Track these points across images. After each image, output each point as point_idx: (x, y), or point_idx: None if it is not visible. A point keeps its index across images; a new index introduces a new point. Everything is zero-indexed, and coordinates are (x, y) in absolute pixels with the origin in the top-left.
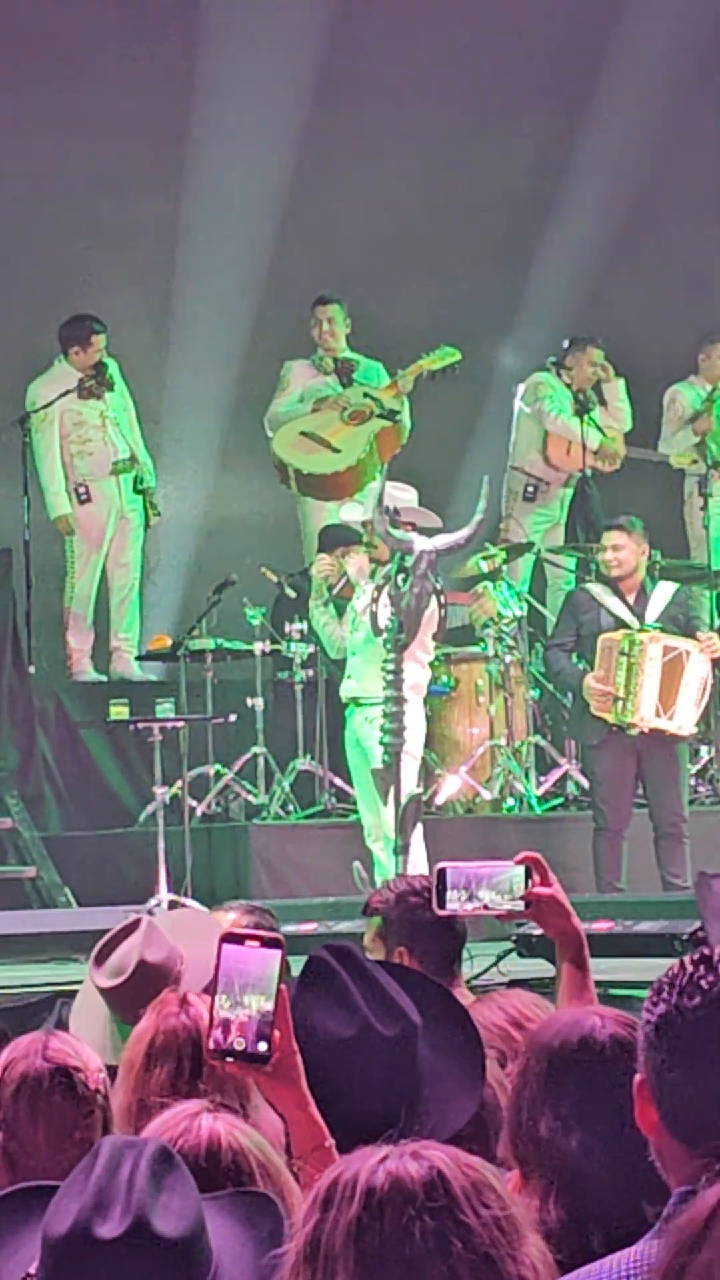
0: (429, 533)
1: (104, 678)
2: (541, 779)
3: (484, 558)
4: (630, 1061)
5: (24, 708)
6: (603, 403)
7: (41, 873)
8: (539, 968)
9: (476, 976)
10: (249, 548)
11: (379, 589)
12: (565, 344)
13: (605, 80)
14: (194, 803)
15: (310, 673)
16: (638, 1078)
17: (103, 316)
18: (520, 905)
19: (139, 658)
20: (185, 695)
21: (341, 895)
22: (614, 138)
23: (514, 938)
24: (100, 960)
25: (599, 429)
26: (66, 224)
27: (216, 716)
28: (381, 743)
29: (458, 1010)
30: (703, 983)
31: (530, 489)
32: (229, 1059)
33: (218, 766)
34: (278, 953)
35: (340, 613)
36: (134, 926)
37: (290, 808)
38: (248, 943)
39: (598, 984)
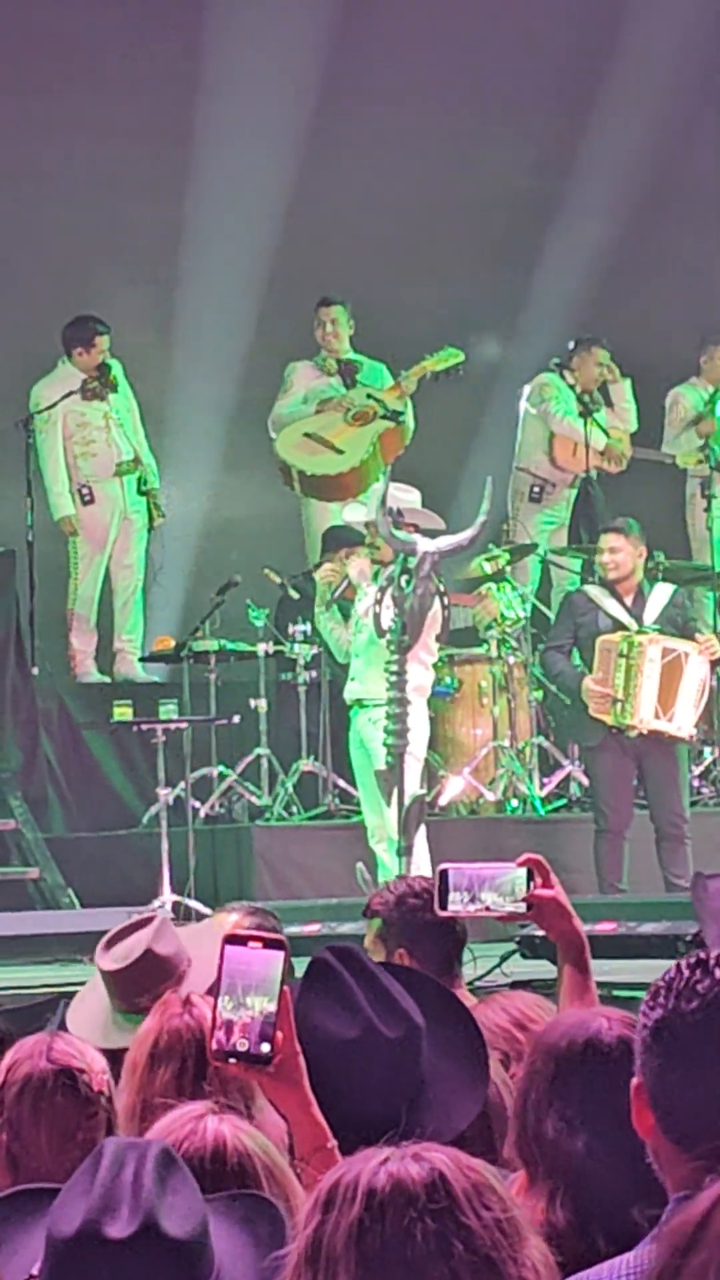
0: (432, 534)
1: (107, 679)
2: (545, 780)
3: (487, 559)
4: None
5: (27, 709)
6: (609, 403)
7: (45, 874)
8: (542, 969)
9: (480, 978)
10: (252, 549)
11: (382, 590)
12: (570, 345)
13: (609, 81)
14: (197, 804)
15: (313, 674)
16: (635, 1081)
17: (106, 318)
18: (522, 907)
19: (142, 659)
20: (189, 696)
21: (345, 896)
22: (618, 139)
23: (517, 939)
24: (108, 946)
25: (604, 430)
26: (70, 225)
27: (220, 718)
28: (385, 744)
29: (461, 1011)
30: (699, 987)
31: (536, 490)
32: (231, 1060)
33: (221, 768)
34: (280, 954)
35: (345, 616)
36: (148, 921)
37: (293, 809)
38: (251, 944)
39: (601, 985)
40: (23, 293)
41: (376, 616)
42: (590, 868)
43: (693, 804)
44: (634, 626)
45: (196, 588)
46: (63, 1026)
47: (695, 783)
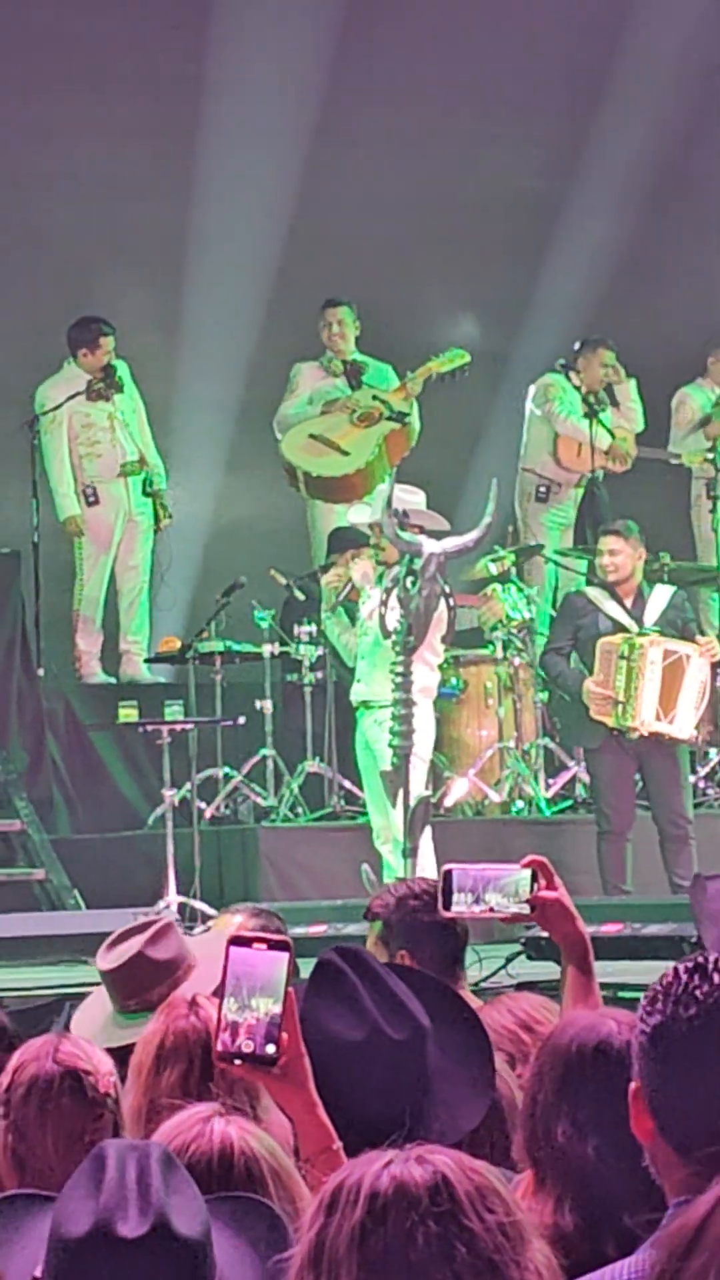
0: (437, 535)
1: (113, 680)
2: (550, 781)
3: (493, 560)
4: None
5: (33, 710)
6: (614, 404)
7: (50, 875)
8: (548, 971)
9: (485, 979)
10: (258, 550)
11: (387, 592)
12: (576, 346)
13: (613, 82)
14: (203, 805)
15: (319, 675)
16: (632, 1086)
17: (112, 318)
18: (525, 909)
19: (148, 660)
20: (194, 697)
21: (350, 898)
22: (623, 140)
23: (523, 940)
24: (110, 947)
25: (609, 430)
26: (75, 226)
27: (225, 719)
28: (390, 745)
29: (467, 1013)
30: (698, 992)
31: (542, 490)
32: (236, 1062)
33: (226, 769)
34: (285, 955)
35: (352, 619)
36: (149, 924)
37: (299, 810)
38: (255, 945)
39: (606, 987)
40: (28, 293)
41: (381, 618)
42: (595, 869)
43: (697, 805)
44: (634, 628)
45: (202, 589)
46: (68, 1028)
47: (700, 784)
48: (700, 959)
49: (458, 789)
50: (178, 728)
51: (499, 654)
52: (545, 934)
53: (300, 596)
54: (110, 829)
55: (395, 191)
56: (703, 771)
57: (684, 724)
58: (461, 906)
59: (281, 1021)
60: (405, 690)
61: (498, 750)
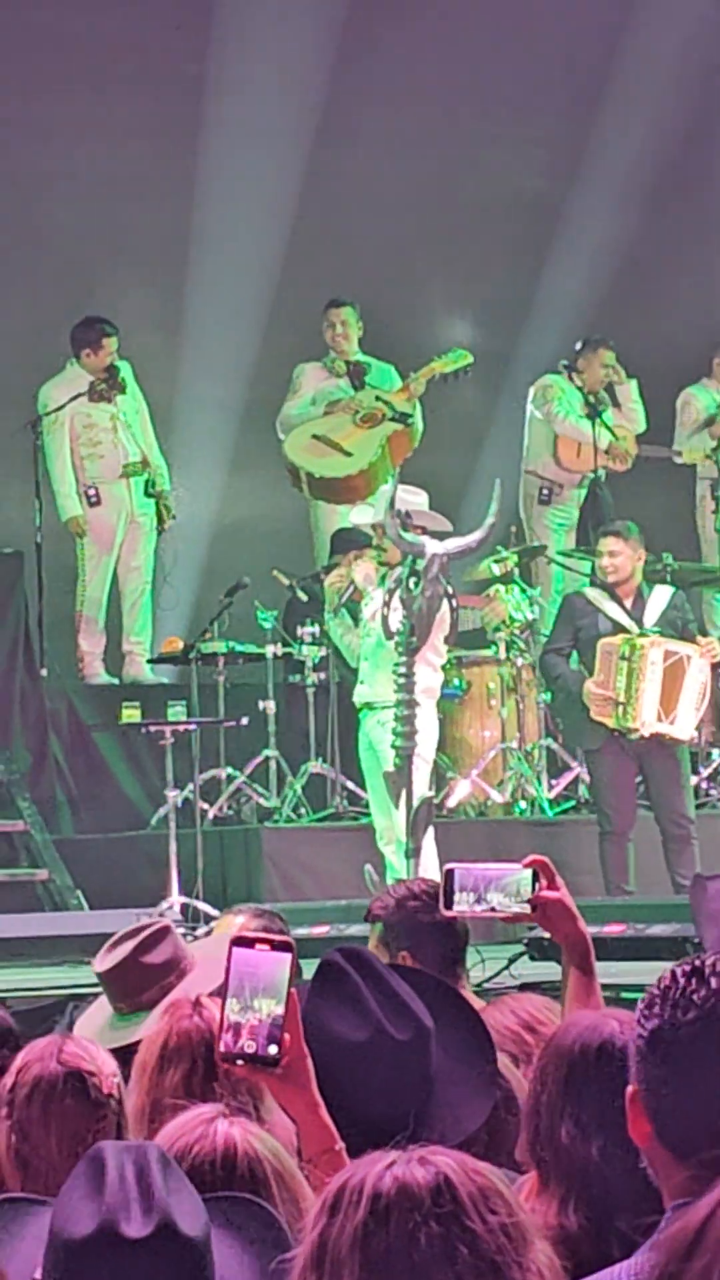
0: (439, 536)
1: (116, 681)
2: (553, 782)
3: (496, 561)
4: None
5: (36, 711)
6: (616, 405)
7: (53, 875)
8: (551, 971)
9: (488, 980)
10: (261, 551)
11: (390, 593)
12: (577, 346)
13: (617, 82)
14: (206, 806)
15: (322, 676)
16: (630, 1089)
17: (114, 319)
18: (527, 908)
19: (151, 661)
20: (197, 698)
21: (353, 898)
22: (626, 140)
23: (526, 941)
24: (110, 949)
25: (610, 430)
26: (77, 226)
27: (228, 719)
28: (393, 746)
29: (470, 1014)
30: (695, 996)
31: (545, 492)
32: (239, 1062)
33: (229, 769)
34: (288, 956)
35: (355, 620)
36: (145, 928)
37: (302, 811)
38: (258, 946)
39: (610, 987)
40: (30, 294)
41: (384, 619)
42: (598, 869)
43: (700, 806)
44: (634, 629)
45: (205, 589)
46: (71, 1028)
47: (703, 785)
48: (697, 962)
49: (460, 790)
50: (181, 728)
51: (502, 655)
52: (547, 934)
53: (303, 597)
54: (113, 829)
55: (397, 192)
56: (705, 772)
57: (685, 725)
58: (463, 906)
59: (284, 1022)
60: (408, 691)
61: (500, 751)
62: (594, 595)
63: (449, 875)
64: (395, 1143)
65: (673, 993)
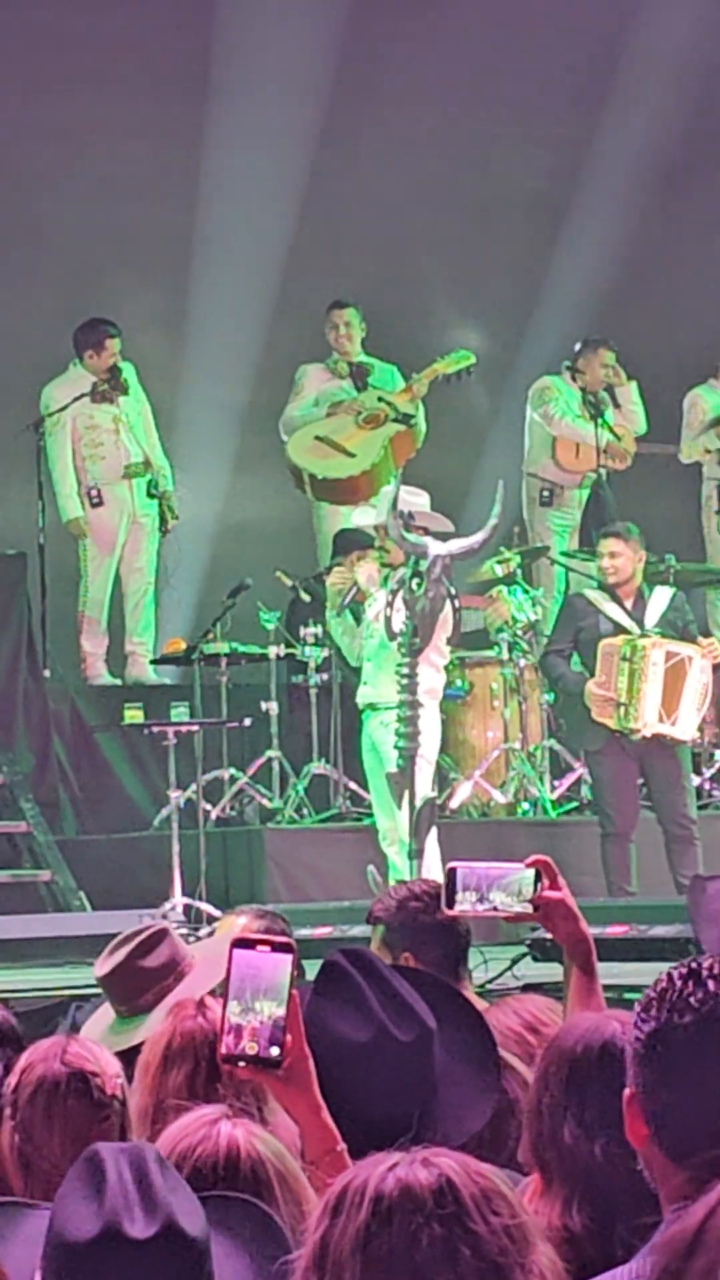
0: (442, 536)
1: (119, 682)
2: (556, 783)
3: (499, 562)
4: None
5: (39, 711)
6: (616, 406)
7: (56, 876)
8: (554, 972)
9: (491, 981)
10: (264, 551)
11: (393, 594)
12: (577, 346)
13: (621, 83)
14: (208, 807)
15: (325, 676)
16: (627, 1092)
17: (117, 320)
18: (529, 908)
19: (154, 662)
20: (200, 699)
21: (356, 899)
22: (630, 141)
23: (528, 942)
24: (110, 952)
25: (608, 430)
26: (80, 227)
27: (231, 720)
28: (396, 746)
29: (473, 1014)
30: (692, 1000)
31: (546, 493)
32: (241, 1064)
33: (232, 770)
34: (289, 957)
35: (358, 620)
36: (142, 931)
37: (305, 812)
38: (259, 948)
39: (612, 989)
40: (33, 295)
41: (387, 620)
42: (600, 870)
43: (703, 807)
44: (635, 630)
45: (208, 590)
46: (74, 1029)
47: (706, 786)
48: (694, 964)
49: (463, 791)
50: (183, 729)
51: (504, 656)
52: (550, 935)
53: (306, 598)
54: (116, 830)
55: (400, 192)
56: (708, 773)
57: (686, 726)
58: (465, 905)
59: (285, 1024)
60: (411, 692)
61: (503, 752)
62: (595, 596)
63: (451, 874)
64: (398, 1144)
65: (669, 995)
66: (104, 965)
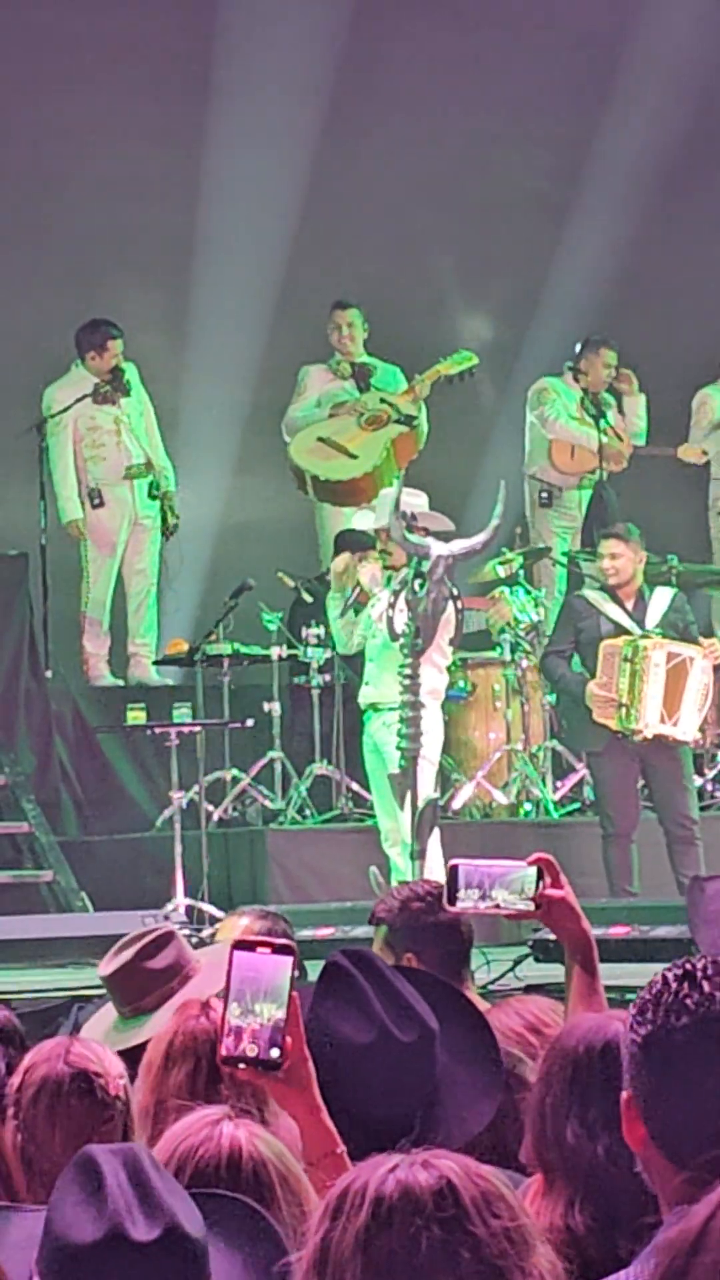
0: (444, 537)
1: (121, 682)
2: (558, 784)
3: (501, 563)
4: None
5: (41, 712)
6: (621, 412)
7: (58, 877)
8: (556, 973)
9: (493, 982)
10: (266, 552)
11: (395, 594)
12: (578, 347)
13: (622, 82)
14: (211, 807)
15: (327, 677)
16: (624, 1094)
17: (120, 321)
18: (530, 905)
19: (156, 662)
20: (202, 700)
21: (358, 900)
22: (632, 141)
23: (530, 942)
24: (115, 953)
25: (601, 432)
26: (83, 228)
27: (233, 721)
28: (399, 747)
29: (475, 1015)
30: (688, 1001)
31: (545, 495)
32: (240, 1066)
33: (234, 771)
34: (289, 959)
35: (357, 611)
36: (148, 933)
37: (307, 812)
38: (260, 949)
39: (615, 989)
40: (36, 296)
41: (390, 620)
42: (602, 871)
43: (705, 808)
44: (636, 631)
45: (210, 591)
46: (76, 1029)
47: (708, 787)
48: (689, 965)
49: (465, 791)
50: (186, 730)
51: (507, 656)
52: (553, 936)
53: (308, 599)
54: (118, 831)
55: (402, 193)
56: (710, 774)
57: (688, 726)
58: (467, 902)
59: (285, 1026)
60: (413, 693)
61: (505, 753)
62: (595, 597)
63: (453, 871)
64: (399, 1145)
65: (665, 997)
66: (109, 965)
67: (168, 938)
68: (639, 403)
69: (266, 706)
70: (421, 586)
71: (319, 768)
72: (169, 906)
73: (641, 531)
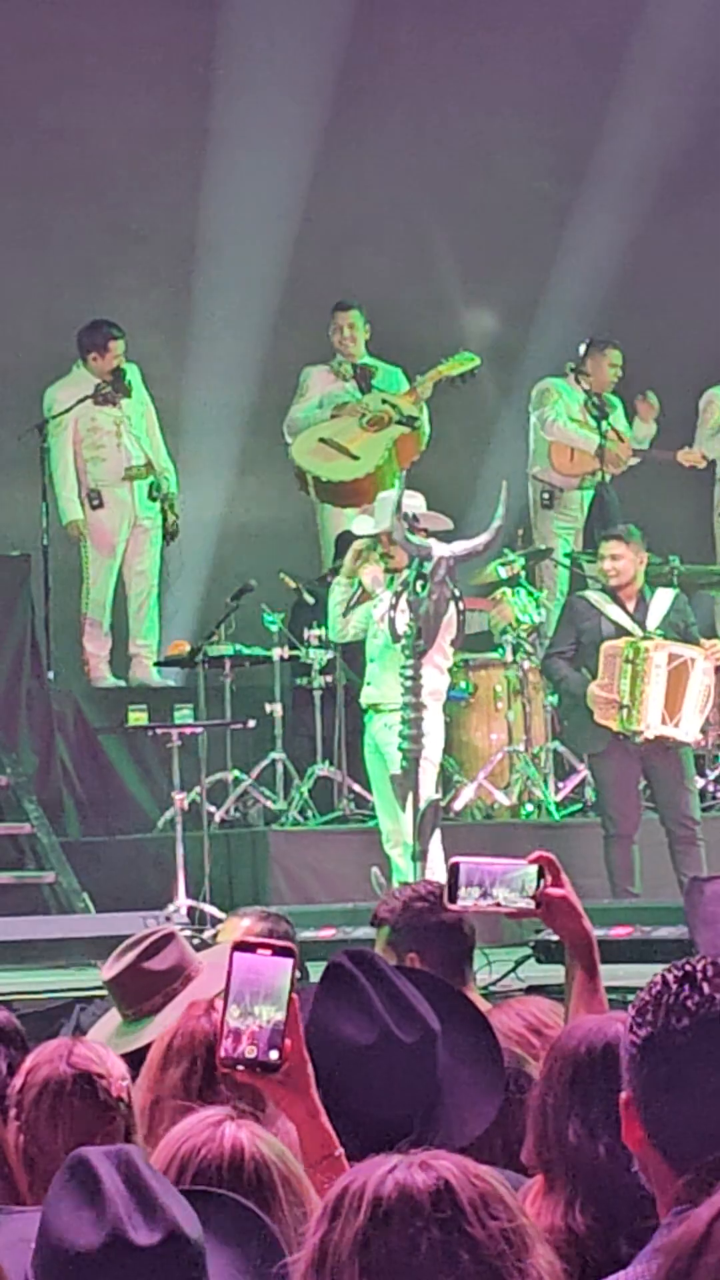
0: (445, 537)
1: (123, 683)
2: (560, 785)
3: (503, 564)
4: None
5: (42, 713)
6: (629, 415)
7: (60, 878)
8: (557, 974)
9: (495, 983)
10: (267, 554)
11: (397, 595)
12: (582, 348)
13: (627, 83)
14: (212, 808)
15: (329, 678)
16: (623, 1096)
17: (121, 322)
18: (531, 904)
19: (158, 664)
20: (204, 701)
21: (360, 901)
22: (636, 141)
23: (532, 943)
24: (119, 956)
25: (602, 434)
26: (84, 229)
27: (235, 722)
28: (400, 748)
29: (477, 1016)
30: (688, 1002)
31: (546, 496)
32: (239, 1068)
33: (236, 772)
34: (289, 961)
35: (356, 603)
36: (150, 935)
37: (309, 813)
38: (260, 951)
39: (616, 990)
40: (37, 296)
41: (392, 621)
42: (604, 872)
43: (706, 809)
44: (637, 632)
45: (211, 592)
46: (78, 1030)
47: (710, 787)
48: (688, 967)
49: (467, 793)
50: (187, 731)
51: (508, 658)
52: (555, 937)
53: (310, 600)
54: (120, 832)
55: (405, 194)
56: (712, 775)
57: (689, 727)
58: (468, 900)
59: (285, 1028)
60: (415, 694)
61: (507, 754)
62: (595, 598)
63: (454, 869)
64: (400, 1146)
65: (665, 999)
66: (111, 969)
67: (168, 939)
68: (649, 430)
69: (268, 707)
70: (423, 588)
71: (320, 769)
72: (170, 907)
73: (643, 533)
